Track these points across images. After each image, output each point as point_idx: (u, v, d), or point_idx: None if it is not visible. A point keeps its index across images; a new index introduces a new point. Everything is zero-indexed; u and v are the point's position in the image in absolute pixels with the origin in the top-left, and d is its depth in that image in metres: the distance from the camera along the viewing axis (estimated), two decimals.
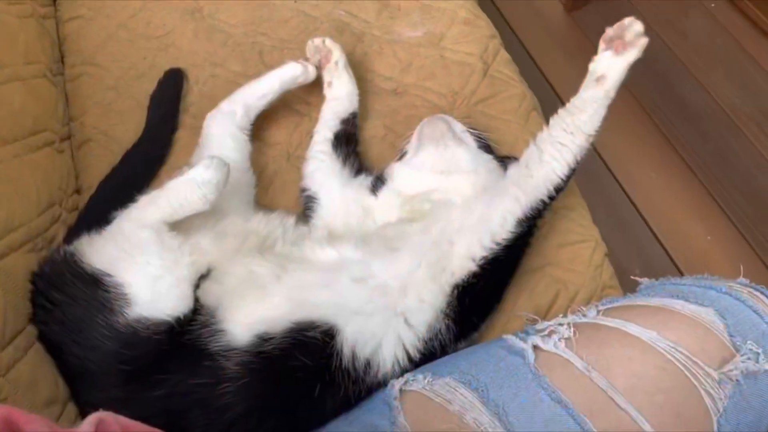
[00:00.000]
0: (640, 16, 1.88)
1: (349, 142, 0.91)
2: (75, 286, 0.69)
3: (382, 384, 0.68)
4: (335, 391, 0.65)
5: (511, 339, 0.67)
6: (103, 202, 0.85)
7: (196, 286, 0.72)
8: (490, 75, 1.02)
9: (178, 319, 0.68)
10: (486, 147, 0.89)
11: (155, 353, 0.66)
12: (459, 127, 0.88)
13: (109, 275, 0.68)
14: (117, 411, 0.63)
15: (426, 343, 0.69)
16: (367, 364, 0.67)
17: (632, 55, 0.71)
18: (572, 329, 0.65)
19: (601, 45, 0.74)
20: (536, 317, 0.72)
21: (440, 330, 0.70)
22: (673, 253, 1.49)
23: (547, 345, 0.64)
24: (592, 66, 0.74)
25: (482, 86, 1.01)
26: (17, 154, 0.82)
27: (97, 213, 0.82)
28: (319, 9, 1.08)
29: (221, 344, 0.66)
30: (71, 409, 0.70)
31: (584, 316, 0.69)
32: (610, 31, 0.73)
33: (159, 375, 0.65)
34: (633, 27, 0.71)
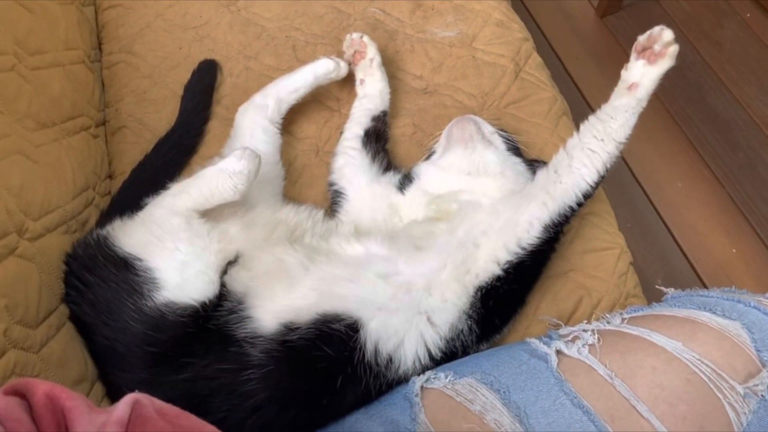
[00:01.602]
0: (673, 24, 1.86)
1: (378, 139, 0.92)
2: (106, 269, 0.71)
3: (402, 380, 0.69)
4: (356, 384, 0.66)
5: (534, 342, 0.67)
6: (136, 188, 0.87)
7: (224, 272, 0.73)
8: (521, 78, 1.02)
9: (204, 304, 0.69)
10: (515, 150, 0.89)
11: (182, 337, 0.67)
12: (488, 128, 0.88)
13: (139, 259, 0.70)
14: (143, 392, 0.65)
15: (448, 343, 0.70)
16: (389, 359, 0.67)
17: (665, 64, 0.71)
18: (596, 336, 0.65)
19: (633, 53, 0.73)
20: (559, 322, 0.72)
21: (462, 330, 0.70)
22: (697, 265, 1.48)
23: (571, 350, 0.64)
24: (624, 74, 0.73)
25: (513, 88, 1.01)
26: (56, 138, 0.84)
27: (130, 198, 0.84)
28: (353, 6, 1.08)
29: (247, 331, 0.67)
30: (98, 388, 0.72)
31: (608, 323, 0.69)
32: (641, 40, 0.73)
33: (185, 359, 0.66)
34: (663, 36, 0.70)
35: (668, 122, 1.68)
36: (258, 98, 0.91)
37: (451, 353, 0.71)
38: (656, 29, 0.72)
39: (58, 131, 0.85)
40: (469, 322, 0.71)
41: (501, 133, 0.89)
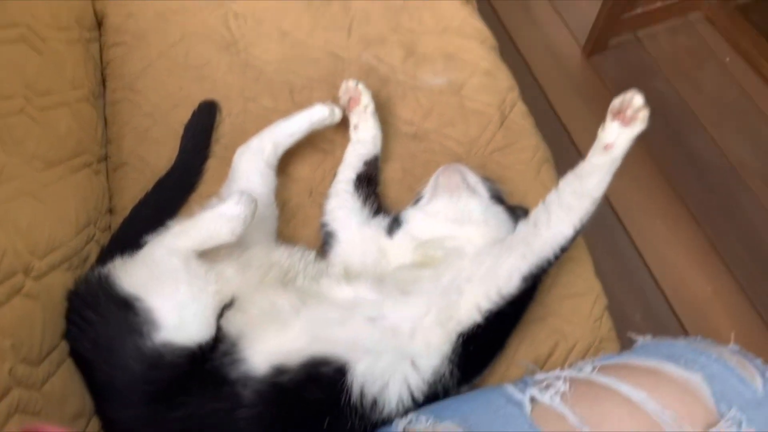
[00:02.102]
0: (655, 65, 1.95)
1: (370, 183, 0.96)
2: (107, 307, 0.74)
3: (385, 422, 0.72)
4: (343, 425, 0.70)
5: (510, 388, 0.72)
6: (136, 226, 0.91)
7: (220, 315, 0.77)
8: (506, 126, 1.08)
9: (201, 346, 0.73)
10: (498, 197, 0.94)
11: (178, 376, 0.71)
12: (473, 177, 0.93)
13: (139, 299, 0.73)
14: (139, 428, 0.69)
15: (430, 386, 0.74)
16: (374, 401, 0.71)
17: (638, 127, 0.76)
18: (568, 384, 0.69)
19: (609, 115, 0.79)
20: (536, 367, 0.76)
21: (444, 374, 0.74)
22: (674, 303, 1.53)
23: (544, 398, 0.68)
24: (600, 134, 0.79)
25: (498, 136, 1.06)
26: (61, 176, 0.88)
27: (130, 236, 0.88)
28: (348, 51, 1.14)
29: (240, 372, 0.71)
30: (95, 422, 0.75)
31: (580, 371, 0.73)
32: (616, 103, 0.78)
33: (181, 397, 0.70)
34: (634, 102, 0.75)
35: (648, 161, 1.74)
36: (255, 142, 0.96)
37: (433, 395, 0.75)
38: (628, 95, 0.77)
39: (63, 169, 0.89)
40: (450, 366, 0.75)
41: (485, 181, 0.94)
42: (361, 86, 0.99)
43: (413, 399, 0.73)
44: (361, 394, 0.70)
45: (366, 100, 0.99)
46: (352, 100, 1.00)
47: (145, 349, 0.71)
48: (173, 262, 0.76)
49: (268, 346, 0.73)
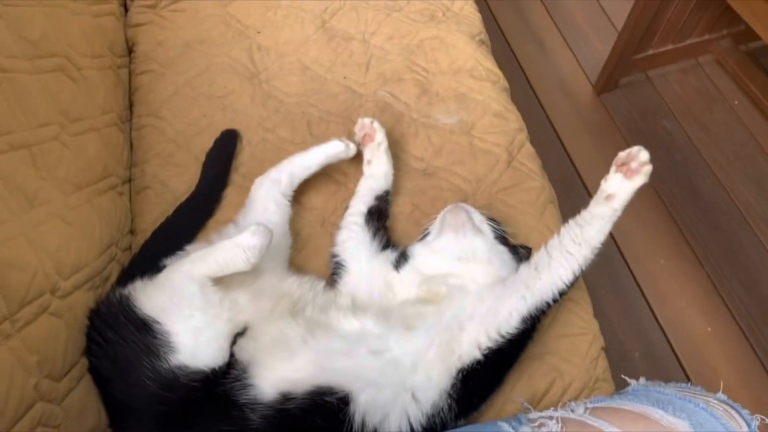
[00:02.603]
0: (664, 105, 1.99)
1: (380, 217, 1.00)
2: (127, 328, 0.79)
3: None
4: None
5: (504, 426, 0.75)
6: (155, 249, 0.95)
7: (233, 342, 0.81)
8: (513, 166, 1.12)
9: (214, 371, 0.76)
10: (502, 238, 0.97)
11: (191, 398, 0.75)
12: (478, 217, 0.97)
13: (158, 322, 0.77)
14: None
15: (428, 419, 0.77)
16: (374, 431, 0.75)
17: (639, 181, 0.80)
18: (560, 424, 0.72)
19: (613, 166, 0.82)
20: (530, 407, 0.80)
21: (443, 408, 0.78)
22: (673, 340, 1.55)
23: None
24: (603, 184, 0.82)
25: (505, 176, 1.10)
26: (88, 199, 0.93)
27: (149, 259, 0.92)
28: (365, 88, 1.19)
29: (249, 397, 0.74)
30: None
31: (573, 411, 0.76)
32: (622, 155, 0.82)
33: (192, 419, 0.74)
34: (639, 156, 0.79)
35: (654, 199, 1.78)
36: (273, 173, 1.00)
37: (431, 428, 0.78)
38: (635, 149, 0.80)
39: (90, 192, 0.94)
40: (449, 401, 0.78)
41: (489, 222, 0.97)
42: (376, 124, 1.04)
43: (412, 430, 0.77)
44: (363, 424, 0.74)
45: (380, 137, 1.03)
46: (367, 137, 1.05)
47: (161, 370, 0.74)
48: (190, 289, 0.80)
49: (276, 374, 0.76)
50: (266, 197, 0.99)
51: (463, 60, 1.23)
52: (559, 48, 2.14)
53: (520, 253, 0.96)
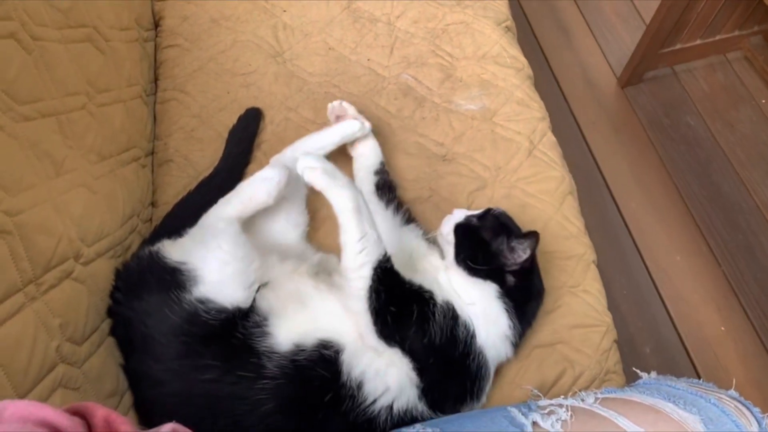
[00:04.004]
0: (689, 101, 1.97)
1: (390, 189, 1.02)
2: (154, 274, 0.82)
3: (374, 413, 0.77)
4: (340, 402, 0.76)
5: (514, 411, 0.76)
6: (177, 222, 0.96)
7: (257, 291, 0.84)
8: (533, 155, 1.11)
9: (236, 312, 0.79)
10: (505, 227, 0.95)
11: (212, 336, 0.77)
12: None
13: (185, 263, 0.80)
14: (169, 382, 0.74)
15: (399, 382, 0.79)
16: (360, 384, 0.77)
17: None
18: (570, 412, 0.73)
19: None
20: (539, 394, 0.80)
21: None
22: (686, 338, 1.55)
23: (546, 424, 0.72)
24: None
25: (525, 164, 1.10)
26: (111, 169, 0.94)
27: (171, 230, 0.93)
28: (388, 70, 1.19)
29: (267, 346, 0.77)
30: (126, 400, 0.81)
31: (582, 400, 0.77)
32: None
33: (211, 361, 0.76)
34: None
35: (674, 196, 1.76)
36: (288, 152, 1.01)
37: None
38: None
39: (113, 163, 0.95)
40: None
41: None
42: (344, 104, 1.07)
43: (389, 388, 0.78)
44: (350, 377, 0.76)
45: (352, 112, 1.06)
46: (340, 118, 1.06)
47: (184, 302, 0.77)
48: (220, 225, 0.85)
49: (291, 326, 0.80)
50: None
51: (489, 46, 1.22)
52: (585, 38, 2.11)
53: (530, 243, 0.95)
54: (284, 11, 1.25)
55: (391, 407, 0.78)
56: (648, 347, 1.53)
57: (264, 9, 1.25)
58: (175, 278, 0.79)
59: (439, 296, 0.83)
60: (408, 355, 0.79)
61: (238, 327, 0.78)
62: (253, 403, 0.74)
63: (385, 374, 0.78)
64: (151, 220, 1.04)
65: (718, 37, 1.93)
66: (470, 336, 0.82)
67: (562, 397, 0.79)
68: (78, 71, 0.91)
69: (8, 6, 0.77)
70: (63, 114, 0.84)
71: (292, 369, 0.75)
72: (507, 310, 0.85)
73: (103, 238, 0.86)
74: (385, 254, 0.81)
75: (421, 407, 0.80)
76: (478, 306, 0.84)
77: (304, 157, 0.83)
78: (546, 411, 0.74)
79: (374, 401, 0.77)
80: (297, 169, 0.83)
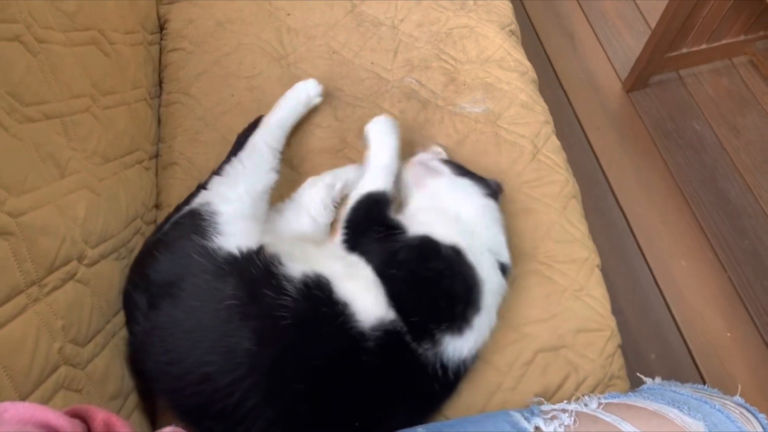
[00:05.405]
0: (695, 106, 1.96)
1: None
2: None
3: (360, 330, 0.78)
4: (334, 319, 0.78)
5: (516, 416, 0.75)
6: None
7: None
8: (537, 159, 1.11)
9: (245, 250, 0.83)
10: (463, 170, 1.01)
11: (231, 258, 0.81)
12: (434, 162, 1.02)
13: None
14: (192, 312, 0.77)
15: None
16: (345, 303, 0.80)
17: None
18: (573, 417, 0.72)
19: None
20: (542, 399, 0.80)
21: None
22: (691, 344, 1.54)
23: (548, 428, 0.72)
24: None
25: (529, 168, 1.10)
26: (115, 171, 0.94)
27: None
28: (392, 74, 1.19)
29: (283, 271, 0.81)
30: (131, 401, 0.81)
31: (586, 406, 0.76)
32: None
33: (234, 279, 0.79)
34: None
35: (679, 201, 1.75)
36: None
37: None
38: None
39: (117, 165, 0.96)
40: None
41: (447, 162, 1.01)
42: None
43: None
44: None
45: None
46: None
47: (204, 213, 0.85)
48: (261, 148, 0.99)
49: (299, 264, 0.83)
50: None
51: (493, 50, 1.22)
52: (590, 42, 2.11)
53: (491, 183, 0.99)
54: (288, 14, 1.25)
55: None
56: (653, 353, 1.52)
57: (268, 12, 1.25)
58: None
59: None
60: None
61: (256, 260, 0.83)
62: (275, 318, 0.76)
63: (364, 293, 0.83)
64: (155, 221, 1.04)
65: (723, 42, 1.92)
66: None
67: (566, 401, 0.79)
68: (83, 74, 0.92)
69: (13, 9, 0.77)
70: (67, 116, 0.84)
71: (305, 289, 0.80)
72: None
73: (106, 240, 0.86)
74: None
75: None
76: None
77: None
78: (549, 415, 0.74)
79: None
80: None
